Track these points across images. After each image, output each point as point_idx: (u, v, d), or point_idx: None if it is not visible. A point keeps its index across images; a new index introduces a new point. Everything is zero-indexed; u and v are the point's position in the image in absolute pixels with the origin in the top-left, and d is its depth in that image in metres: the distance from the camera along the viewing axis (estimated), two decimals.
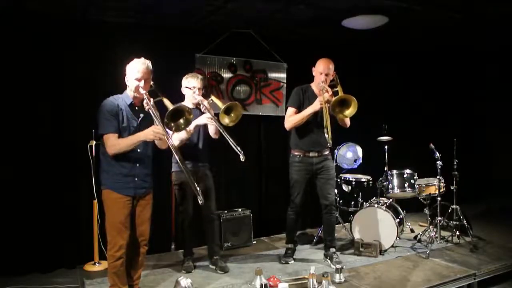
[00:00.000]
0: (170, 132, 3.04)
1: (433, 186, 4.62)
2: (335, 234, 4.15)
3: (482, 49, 6.09)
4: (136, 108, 2.97)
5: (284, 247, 4.28)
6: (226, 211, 4.64)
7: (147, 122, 2.95)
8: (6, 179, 3.79)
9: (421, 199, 4.79)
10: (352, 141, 5.06)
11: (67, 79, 4.05)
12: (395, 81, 5.99)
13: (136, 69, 2.89)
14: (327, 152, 4.01)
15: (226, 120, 3.58)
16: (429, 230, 4.61)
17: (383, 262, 4.08)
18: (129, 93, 2.96)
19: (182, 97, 3.79)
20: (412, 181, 4.63)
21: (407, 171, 4.68)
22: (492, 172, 6.97)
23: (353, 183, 4.79)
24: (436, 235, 4.60)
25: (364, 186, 4.79)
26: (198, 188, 2.83)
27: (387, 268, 3.92)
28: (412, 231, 5.11)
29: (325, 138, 3.65)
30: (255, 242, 4.79)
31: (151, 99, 2.89)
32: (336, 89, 3.85)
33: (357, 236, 4.44)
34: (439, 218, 4.58)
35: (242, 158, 3.41)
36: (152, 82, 3.03)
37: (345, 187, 4.80)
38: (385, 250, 4.33)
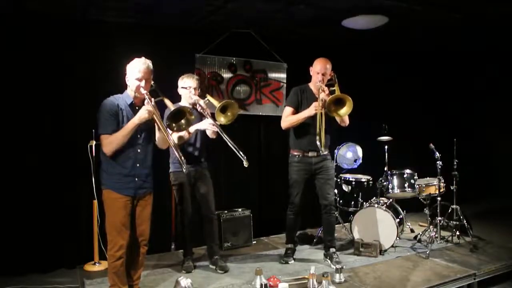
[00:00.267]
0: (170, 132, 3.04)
1: (433, 186, 4.62)
2: (335, 234, 4.15)
3: (482, 49, 6.09)
4: (137, 107, 2.96)
5: (284, 247, 4.28)
6: (226, 211, 4.64)
7: (147, 121, 2.94)
8: (6, 179, 3.79)
9: (421, 199, 4.79)
10: (352, 141, 5.06)
11: (67, 79, 4.05)
12: (395, 81, 5.99)
13: (137, 69, 2.89)
14: (326, 152, 4.01)
15: (222, 119, 3.55)
16: (429, 230, 4.61)
17: (383, 262, 4.08)
18: (130, 93, 2.97)
19: (180, 98, 3.80)
20: (412, 181, 4.63)
21: (407, 171, 4.68)
22: (492, 172, 6.97)
23: (353, 183, 4.79)
24: (436, 235, 4.60)
25: (364, 186, 4.78)
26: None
27: (387, 268, 3.91)
28: (412, 231, 5.11)
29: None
30: (255, 242, 4.79)
31: (152, 99, 2.89)
32: (333, 88, 3.85)
33: (357, 236, 4.44)
34: (439, 218, 4.58)
35: (245, 163, 3.41)
36: (152, 82, 3.03)
37: (345, 187, 4.80)
38: (385, 250, 4.33)
